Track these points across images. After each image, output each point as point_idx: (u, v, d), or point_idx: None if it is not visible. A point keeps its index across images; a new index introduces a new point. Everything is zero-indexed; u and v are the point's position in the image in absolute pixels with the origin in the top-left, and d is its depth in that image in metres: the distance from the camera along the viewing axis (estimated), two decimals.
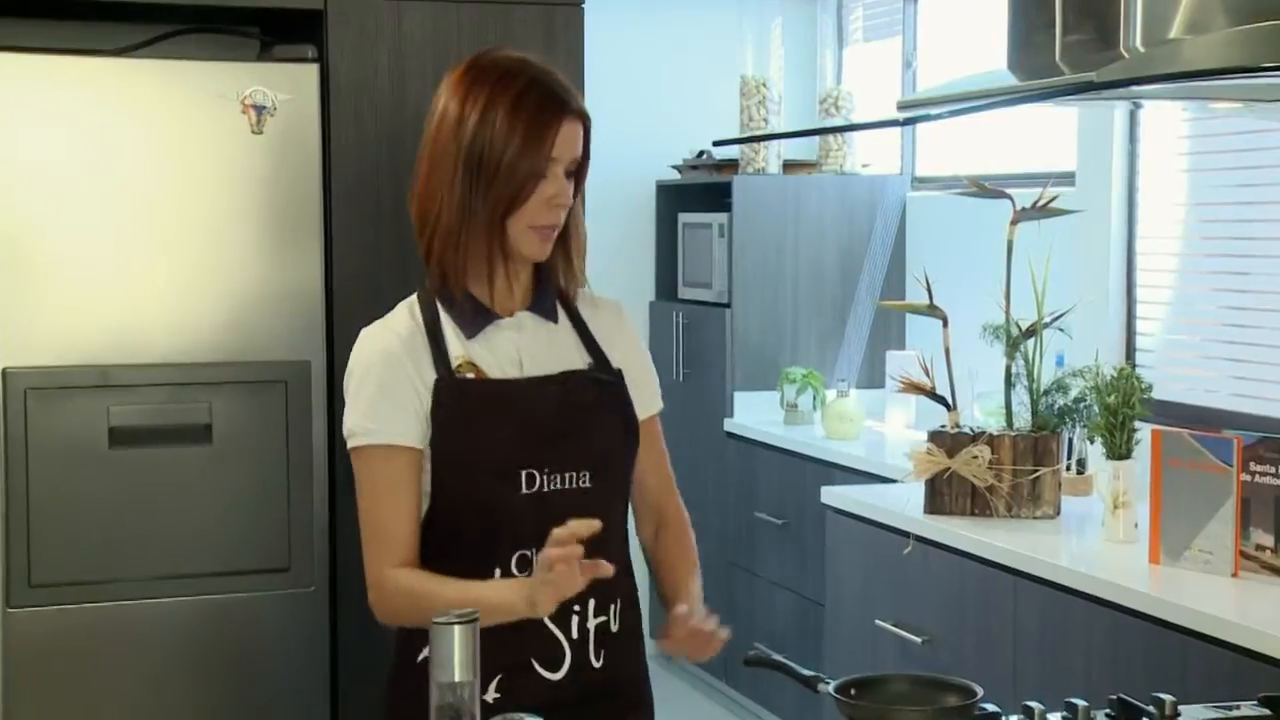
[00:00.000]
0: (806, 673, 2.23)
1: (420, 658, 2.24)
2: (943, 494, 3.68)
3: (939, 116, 2.41)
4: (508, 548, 2.28)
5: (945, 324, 3.83)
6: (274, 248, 3.28)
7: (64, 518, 3.16)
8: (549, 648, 2.29)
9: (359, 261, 3.34)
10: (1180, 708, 2.15)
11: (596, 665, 2.33)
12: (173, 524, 3.22)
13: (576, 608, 2.29)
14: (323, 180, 3.31)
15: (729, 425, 5.69)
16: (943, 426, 3.76)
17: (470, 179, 2.26)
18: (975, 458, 3.64)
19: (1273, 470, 3.06)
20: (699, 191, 6.12)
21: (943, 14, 5.76)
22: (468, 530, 2.28)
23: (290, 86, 3.26)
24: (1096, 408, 3.55)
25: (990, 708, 2.10)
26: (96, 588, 3.18)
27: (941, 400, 3.80)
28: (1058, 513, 3.67)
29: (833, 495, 4.11)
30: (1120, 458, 3.45)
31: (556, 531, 2.12)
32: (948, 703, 2.13)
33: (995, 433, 3.69)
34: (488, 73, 2.29)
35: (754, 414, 5.65)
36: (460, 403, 2.28)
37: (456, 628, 1.76)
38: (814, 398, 5.48)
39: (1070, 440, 3.86)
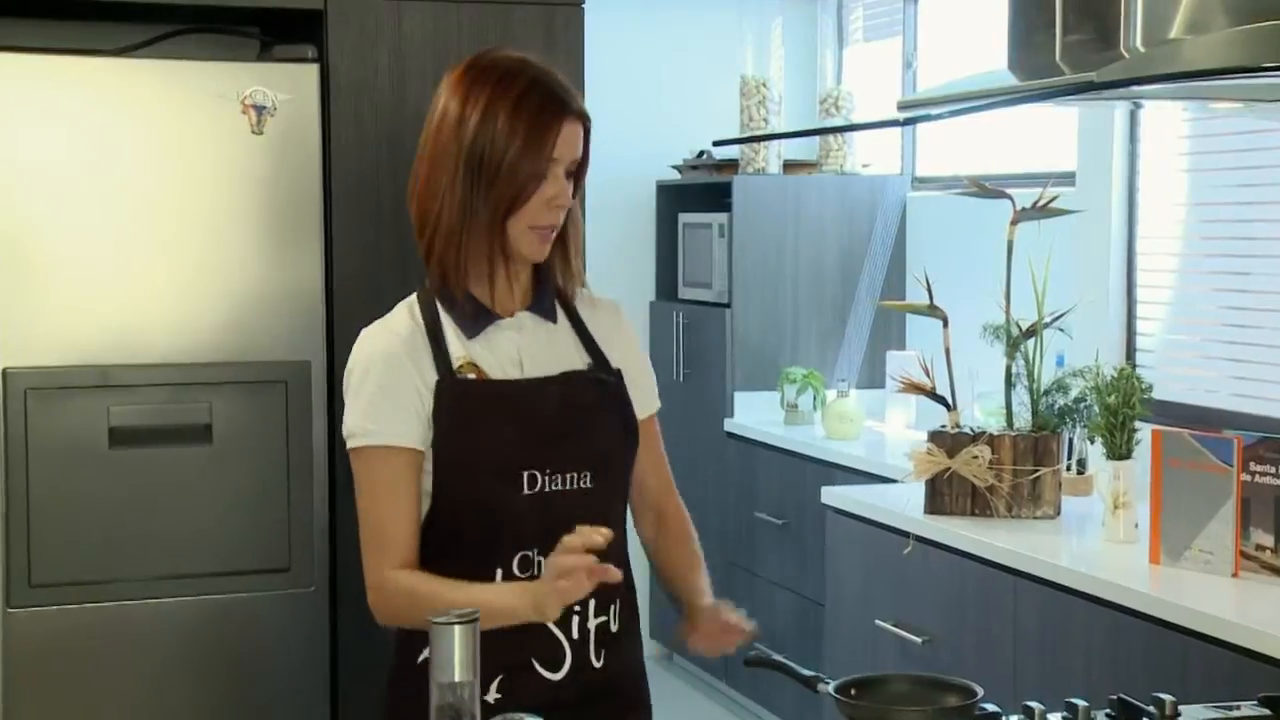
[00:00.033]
0: (806, 673, 2.23)
1: (421, 658, 2.24)
2: (943, 494, 3.68)
3: (939, 116, 2.41)
4: (509, 548, 2.28)
5: (945, 324, 3.83)
6: (274, 248, 3.28)
7: (64, 518, 3.16)
8: (550, 648, 2.29)
9: (359, 261, 3.34)
10: (1180, 708, 2.15)
11: (597, 665, 2.33)
12: (173, 524, 3.22)
13: (577, 608, 2.29)
14: (323, 180, 3.31)
15: (729, 425, 5.69)
16: (943, 426, 3.76)
17: (471, 179, 2.26)
18: (975, 458, 3.64)
19: (1273, 470, 3.06)
20: (699, 191, 6.12)
21: (943, 14, 5.76)
22: (469, 531, 2.28)
23: (290, 86, 3.26)
24: (1097, 408, 3.55)
25: (990, 708, 2.10)
26: (97, 588, 3.18)
27: (942, 400, 3.80)
28: (1058, 513, 3.67)
29: (833, 495, 4.11)
30: (1120, 458, 3.45)
31: (568, 540, 2.12)
32: (948, 703, 2.13)
33: (995, 433, 3.69)
34: (488, 73, 2.29)
35: (754, 414, 5.65)
36: (462, 403, 2.28)
37: (456, 628, 1.76)
38: (814, 398, 5.48)
39: (1070, 440, 3.86)
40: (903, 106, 2.71)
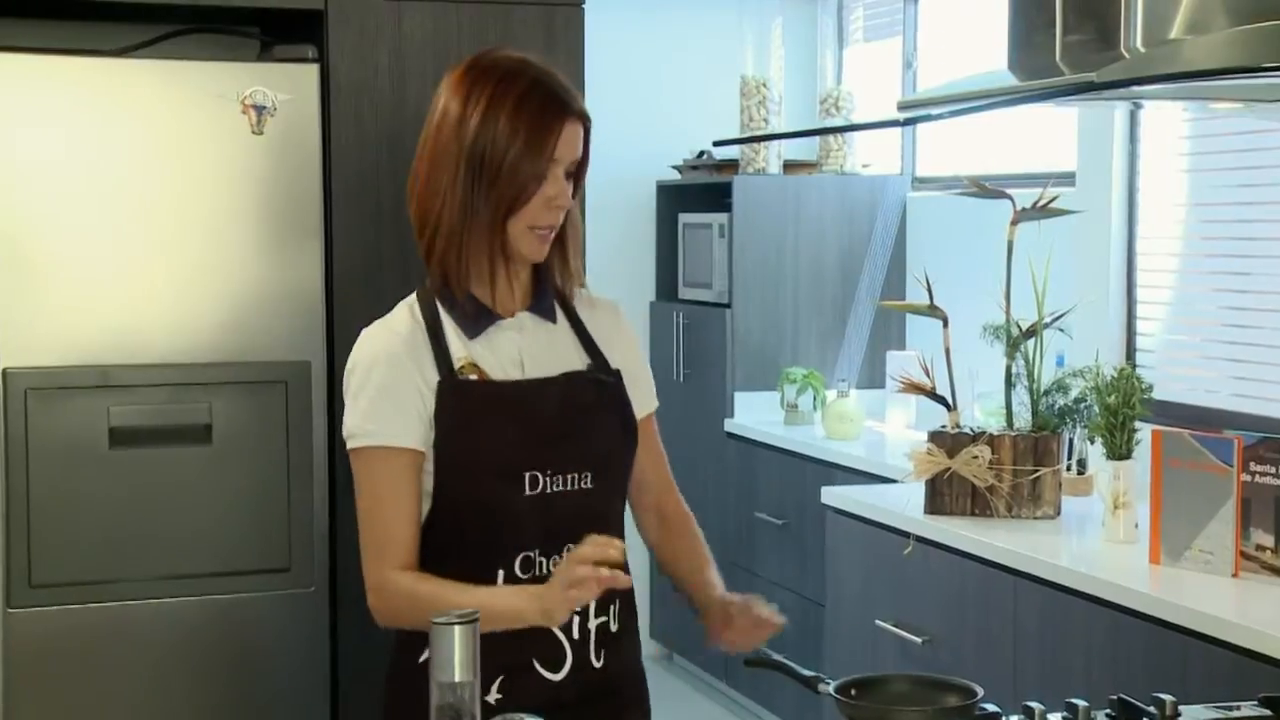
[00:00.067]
0: (807, 673, 2.23)
1: (421, 659, 2.24)
2: (943, 494, 3.68)
3: (939, 117, 2.41)
4: (511, 549, 2.28)
5: (945, 324, 3.83)
6: (274, 248, 3.28)
7: (64, 518, 3.16)
8: (550, 648, 2.29)
9: (359, 261, 3.34)
10: (1181, 708, 2.15)
11: (596, 665, 2.33)
12: (173, 524, 3.22)
13: (578, 609, 2.29)
14: (323, 180, 3.31)
15: (729, 425, 5.69)
16: (943, 427, 3.76)
17: (472, 179, 2.26)
18: (975, 458, 3.64)
19: (1273, 470, 3.06)
20: (699, 191, 6.12)
21: (943, 14, 5.76)
22: (470, 531, 2.28)
23: (290, 87, 3.26)
24: (1097, 408, 3.55)
25: (990, 708, 2.10)
26: (97, 588, 3.18)
27: (942, 400, 3.80)
28: (1058, 513, 3.67)
29: (833, 495, 4.11)
30: (1120, 458, 3.45)
31: (583, 551, 2.12)
32: (948, 703, 2.13)
33: (995, 433, 3.69)
34: (489, 73, 2.29)
35: (754, 414, 5.65)
36: (464, 404, 2.28)
37: (456, 628, 1.76)
38: (814, 398, 5.48)
39: (1070, 440, 3.86)
40: (903, 106, 2.71)
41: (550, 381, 2.33)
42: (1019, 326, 3.73)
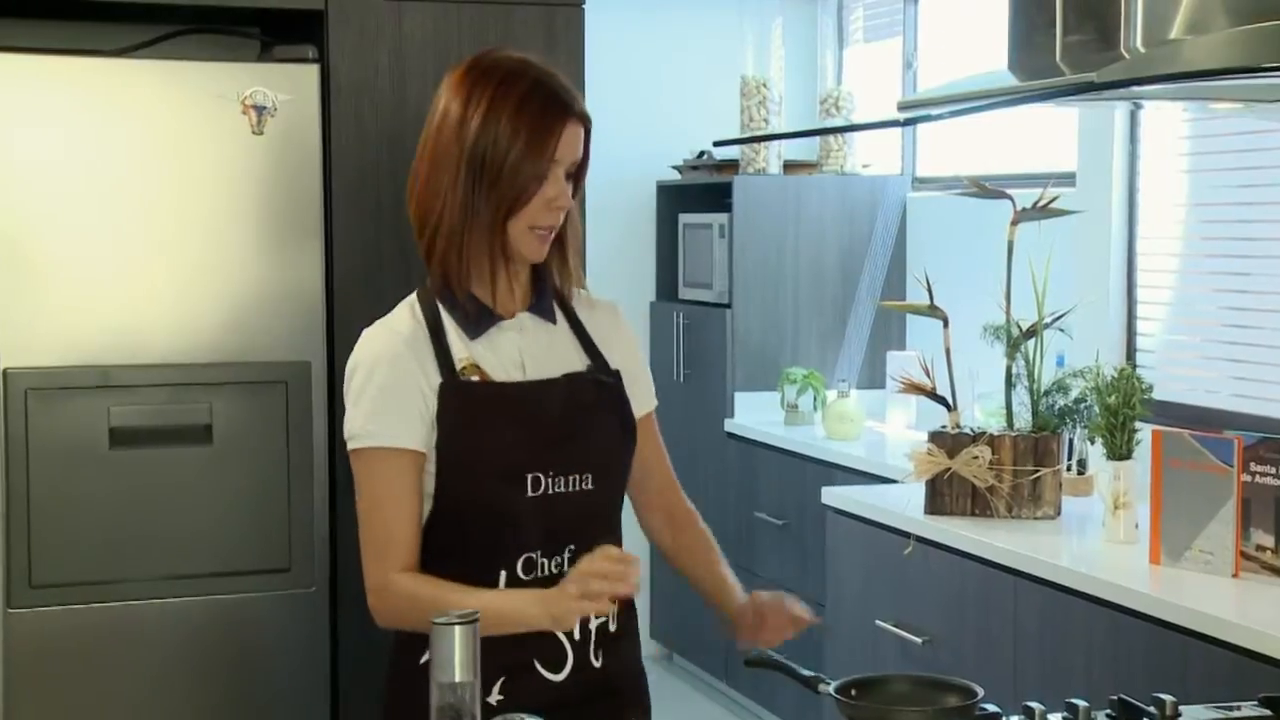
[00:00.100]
0: (807, 673, 2.23)
1: (422, 660, 2.24)
2: (943, 494, 3.68)
3: (939, 117, 2.41)
4: (514, 550, 2.28)
5: (946, 324, 3.83)
6: (274, 248, 3.28)
7: (64, 518, 3.16)
8: (551, 649, 2.29)
9: (359, 261, 3.34)
10: (1181, 708, 2.15)
11: (596, 665, 2.33)
12: (173, 525, 3.22)
13: None
14: (323, 180, 3.32)
15: (729, 426, 5.69)
16: (943, 427, 3.76)
17: (472, 180, 2.26)
18: (976, 458, 3.64)
19: (1273, 471, 3.06)
20: (699, 192, 6.12)
21: (943, 14, 5.76)
22: (472, 533, 2.28)
23: (290, 87, 3.26)
24: (1097, 408, 3.55)
25: (991, 708, 2.10)
26: (97, 588, 3.18)
27: (942, 401, 3.80)
28: (1058, 513, 3.67)
29: (833, 496, 4.11)
30: (1121, 458, 3.45)
31: (601, 565, 2.12)
32: (948, 703, 2.13)
33: (996, 433, 3.69)
34: (490, 74, 2.29)
35: (754, 414, 5.65)
36: (466, 405, 2.27)
37: (457, 628, 1.76)
38: (814, 398, 5.48)
39: (1071, 441, 3.86)
40: (903, 107, 2.72)
41: (552, 383, 2.33)
42: (1019, 327, 3.73)
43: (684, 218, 6.12)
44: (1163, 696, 2.13)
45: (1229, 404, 4.16)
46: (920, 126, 5.54)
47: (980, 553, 3.49)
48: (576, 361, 2.38)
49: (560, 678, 2.30)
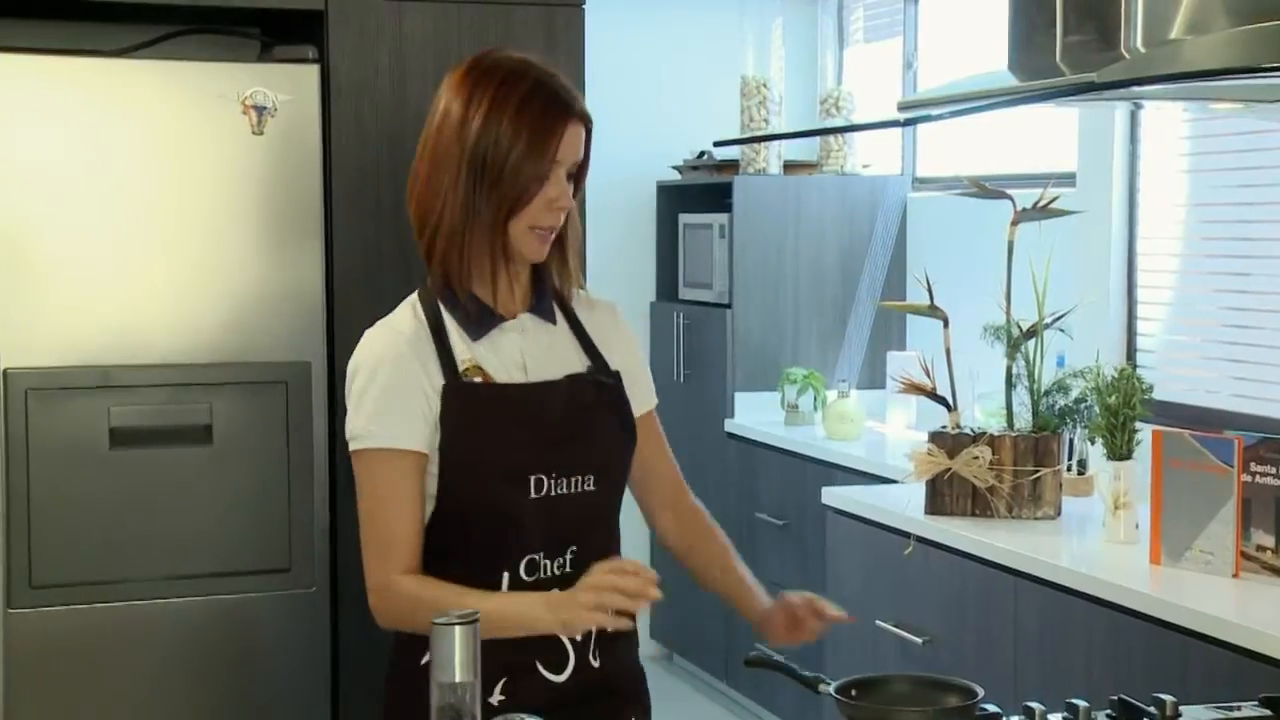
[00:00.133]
0: (807, 673, 2.23)
1: (423, 660, 2.24)
2: (943, 495, 3.68)
3: (939, 117, 2.41)
4: (516, 552, 2.28)
5: (946, 325, 3.83)
6: (274, 248, 3.28)
7: (65, 518, 3.16)
8: (553, 650, 2.29)
9: (359, 262, 3.34)
10: (1181, 708, 2.15)
11: (595, 665, 2.33)
12: (173, 525, 3.22)
13: None
14: (323, 181, 3.32)
15: (730, 426, 5.69)
16: (943, 427, 3.76)
17: (473, 180, 2.26)
18: (976, 458, 3.64)
19: (1273, 471, 3.06)
20: (699, 192, 6.12)
21: (943, 14, 5.76)
22: (475, 534, 2.28)
23: (291, 87, 3.26)
24: (1097, 408, 3.55)
25: (991, 708, 2.10)
26: (97, 588, 3.18)
27: (942, 401, 3.80)
28: (1058, 513, 3.67)
29: (833, 496, 4.11)
30: (1121, 458, 3.45)
31: (618, 580, 2.12)
32: (948, 703, 2.13)
33: (996, 433, 3.69)
34: (491, 74, 2.29)
35: (755, 415, 5.65)
36: (470, 407, 2.27)
37: (457, 628, 1.76)
38: (815, 398, 5.48)
39: (1071, 441, 3.86)
40: (903, 107, 2.72)
41: (554, 385, 2.33)
42: (1019, 327, 3.73)
43: (684, 218, 6.12)
44: (1163, 697, 2.13)
45: (1229, 404, 4.16)
46: (920, 127, 5.54)
47: (980, 553, 3.49)
48: (576, 362, 2.38)
49: (562, 678, 2.30)
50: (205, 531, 3.25)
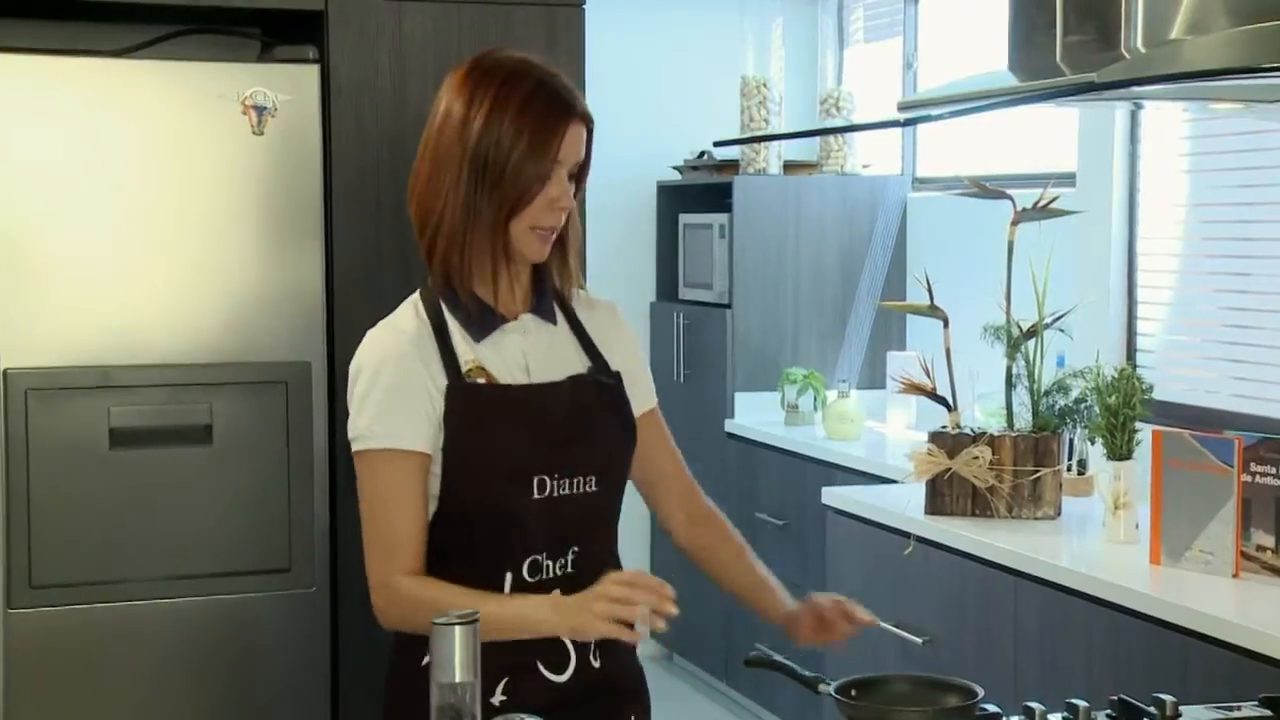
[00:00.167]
0: (807, 673, 2.23)
1: (424, 661, 2.23)
2: (943, 495, 3.68)
3: (939, 117, 2.41)
4: (519, 552, 2.28)
5: (946, 325, 3.83)
6: (274, 248, 3.28)
7: (64, 518, 3.16)
8: (554, 650, 2.29)
9: (359, 262, 3.34)
10: (1181, 708, 2.15)
11: (595, 665, 2.33)
12: (173, 525, 3.22)
13: None
14: (323, 181, 3.32)
15: (730, 426, 5.69)
16: (943, 427, 3.76)
17: (475, 180, 2.26)
18: (976, 458, 3.64)
19: (1273, 471, 3.06)
20: (700, 192, 6.12)
21: (943, 14, 5.76)
22: (478, 534, 2.28)
23: (291, 87, 3.26)
24: (1097, 408, 3.55)
25: (991, 708, 2.10)
26: (97, 588, 3.18)
27: (942, 401, 3.80)
28: (1058, 513, 3.67)
29: (833, 496, 4.11)
30: (1121, 458, 3.45)
31: (634, 594, 2.11)
32: (948, 703, 2.13)
33: (996, 433, 3.69)
34: (493, 74, 2.28)
35: (755, 415, 5.65)
36: (473, 407, 2.27)
37: (457, 628, 1.76)
38: (815, 398, 5.48)
39: (1071, 441, 3.86)
40: (903, 107, 2.72)
41: (557, 386, 2.33)
42: (1019, 327, 3.73)
43: (684, 218, 6.12)
44: (1163, 697, 2.13)
45: (1229, 404, 4.16)
46: (920, 127, 5.54)
47: (980, 553, 3.49)
48: (577, 363, 2.38)
49: (563, 679, 2.30)
50: (205, 531, 3.25)
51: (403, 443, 2.25)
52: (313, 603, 3.31)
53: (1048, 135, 4.97)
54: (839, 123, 5.85)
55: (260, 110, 3.23)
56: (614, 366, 2.40)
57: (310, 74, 3.29)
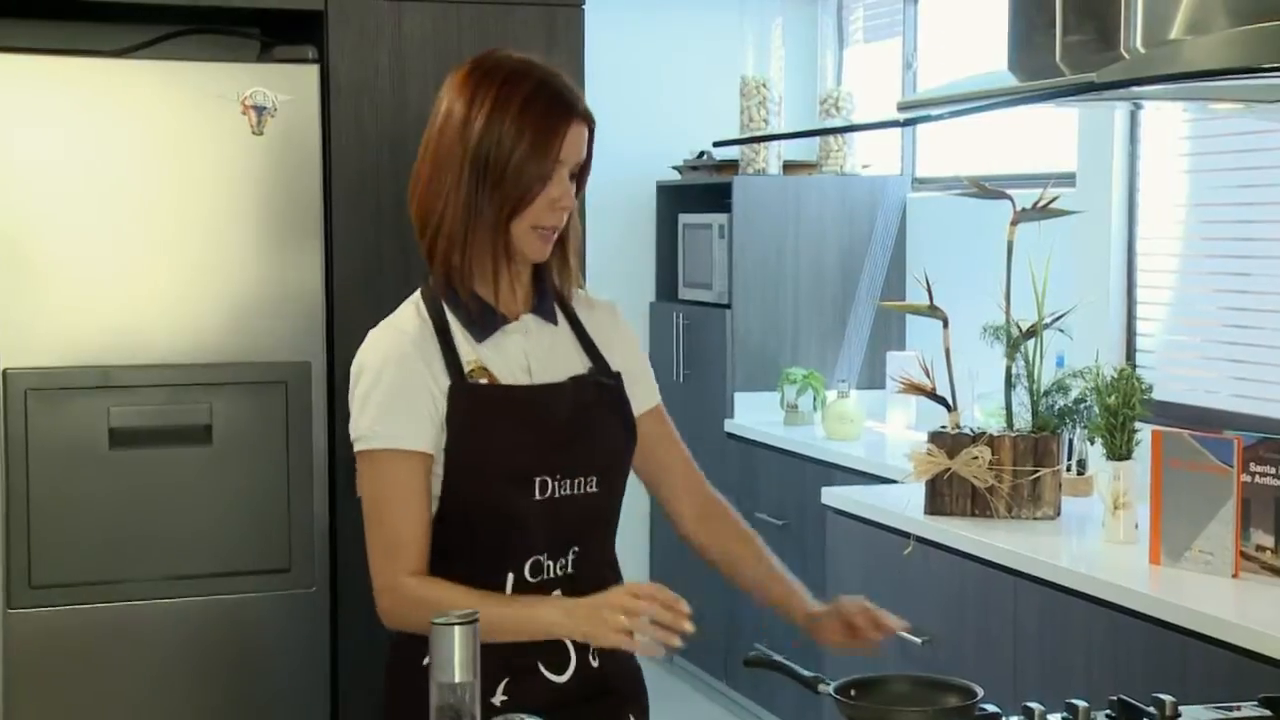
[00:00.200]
0: (807, 673, 2.23)
1: (423, 661, 2.23)
2: (943, 495, 3.68)
3: (939, 117, 2.41)
4: (521, 553, 2.28)
5: (945, 325, 3.83)
6: (274, 248, 3.28)
7: (64, 519, 3.16)
8: (555, 651, 2.29)
9: (359, 262, 3.34)
10: (1180, 708, 2.15)
11: (595, 665, 2.33)
12: (173, 525, 3.22)
13: None
14: (323, 181, 3.32)
15: (729, 426, 5.69)
16: (943, 427, 3.76)
17: (476, 180, 2.26)
18: (975, 458, 3.64)
19: (1273, 471, 3.06)
20: (699, 192, 6.12)
21: (943, 14, 5.76)
22: (480, 535, 2.28)
23: (290, 87, 3.26)
24: (1097, 408, 3.55)
25: (990, 708, 2.10)
26: (97, 588, 3.18)
27: (942, 401, 3.80)
28: (1058, 513, 3.67)
29: (833, 496, 4.11)
30: (1120, 458, 3.45)
31: (655, 612, 2.12)
32: (948, 703, 2.13)
33: (995, 433, 3.69)
34: (493, 74, 2.28)
35: (754, 415, 5.65)
36: (476, 408, 2.27)
37: (456, 628, 1.76)
38: (814, 398, 5.48)
39: (1070, 441, 3.86)
40: (903, 107, 2.71)
41: (558, 386, 2.33)
42: (1019, 327, 3.73)
43: (684, 218, 6.12)
44: (1163, 697, 2.13)
45: (1229, 404, 4.16)
46: (920, 127, 5.54)
47: (980, 553, 3.49)
48: (578, 363, 2.38)
49: (563, 679, 2.30)
50: (205, 531, 3.25)
51: (405, 443, 2.25)
52: (313, 603, 3.31)
53: (1047, 135, 4.97)
54: (838, 123, 5.85)
55: (260, 110, 3.23)
56: (614, 367, 2.41)
57: (310, 74, 3.29)
